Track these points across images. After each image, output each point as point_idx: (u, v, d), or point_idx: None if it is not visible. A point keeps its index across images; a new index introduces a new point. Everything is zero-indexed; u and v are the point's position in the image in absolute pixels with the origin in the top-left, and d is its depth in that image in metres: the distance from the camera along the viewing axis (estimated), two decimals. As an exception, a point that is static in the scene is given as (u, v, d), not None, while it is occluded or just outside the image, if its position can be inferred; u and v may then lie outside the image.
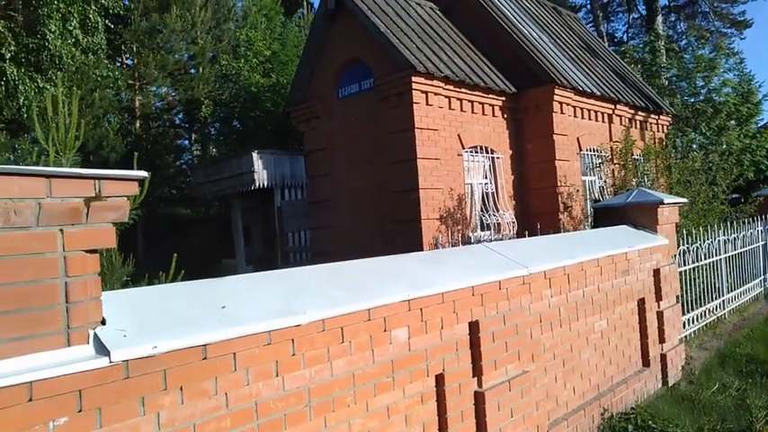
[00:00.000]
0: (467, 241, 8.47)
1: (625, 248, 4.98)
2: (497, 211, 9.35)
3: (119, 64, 18.88)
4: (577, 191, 9.59)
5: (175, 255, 4.47)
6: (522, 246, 4.37)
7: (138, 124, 19.19)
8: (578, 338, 4.55)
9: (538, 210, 9.58)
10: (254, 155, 11.66)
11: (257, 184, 11.77)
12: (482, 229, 9.25)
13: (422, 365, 3.12)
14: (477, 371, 3.45)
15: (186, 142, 23.38)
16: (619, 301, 5.05)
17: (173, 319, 2.16)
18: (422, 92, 8.15)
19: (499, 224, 9.32)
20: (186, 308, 2.29)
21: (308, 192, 10.42)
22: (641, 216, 5.71)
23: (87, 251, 1.89)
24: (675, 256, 6.39)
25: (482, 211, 9.38)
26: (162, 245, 12.88)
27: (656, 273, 5.61)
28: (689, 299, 7.02)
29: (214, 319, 2.23)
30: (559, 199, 9.35)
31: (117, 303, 2.12)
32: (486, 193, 9.47)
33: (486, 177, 9.58)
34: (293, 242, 11.82)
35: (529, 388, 3.82)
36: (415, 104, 8.06)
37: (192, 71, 19.08)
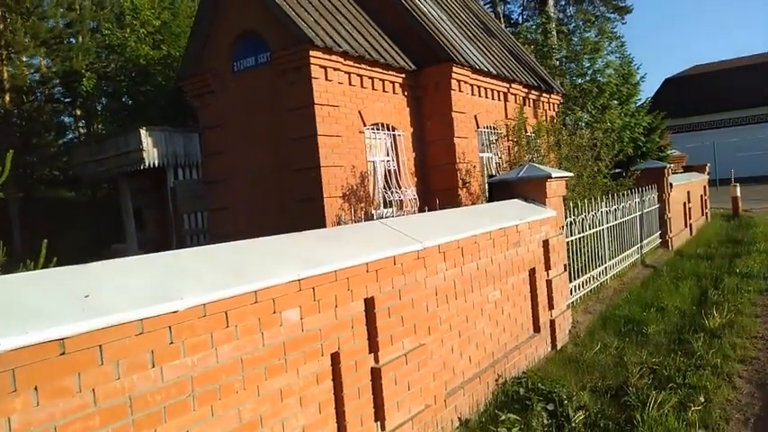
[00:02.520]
0: (370, 219, 8.48)
1: (516, 221, 5.18)
2: (400, 188, 9.43)
3: (-19, 30, 16.80)
4: (475, 167, 9.89)
5: (45, 241, 4.05)
6: (418, 221, 4.41)
7: (7, 98, 17.23)
8: (473, 309, 4.69)
9: (438, 186, 9.77)
10: (143, 132, 10.85)
11: (147, 163, 11.00)
12: (385, 207, 9.30)
13: (316, 345, 3.06)
14: (373, 347, 3.44)
15: (71, 119, 21.39)
16: (511, 272, 5.26)
17: (23, 311, 1.92)
18: (321, 67, 7.96)
19: (401, 201, 9.42)
20: (42, 298, 2.04)
21: (204, 171, 9.92)
22: (531, 190, 5.97)
23: None
24: (563, 227, 6.77)
25: (385, 188, 9.42)
26: (43, 232, 11.77)
27: (546, 243, 5.90)
28: (576, 267, 7.50)
29: (75, 310, 2.01)
30: (458, 175, 9.59)
31: (-49, 297, 1.85)
32: (389, 171, 9.52)
33: (388, 155, 9.62)
34: (189, 224, 11.23)
35: (426, 360, 3.88)
36: (313, 80, 7.85)
37: (72, 40, 17.35)
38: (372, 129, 9.21)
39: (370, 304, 3.42)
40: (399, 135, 9.64)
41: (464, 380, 4.49)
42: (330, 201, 7.94)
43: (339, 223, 7.93)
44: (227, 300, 2.51)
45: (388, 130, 9.53)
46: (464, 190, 9.46)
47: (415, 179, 9.92)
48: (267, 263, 2.82)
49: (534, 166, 6.16)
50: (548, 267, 5.92)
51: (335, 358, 3.21)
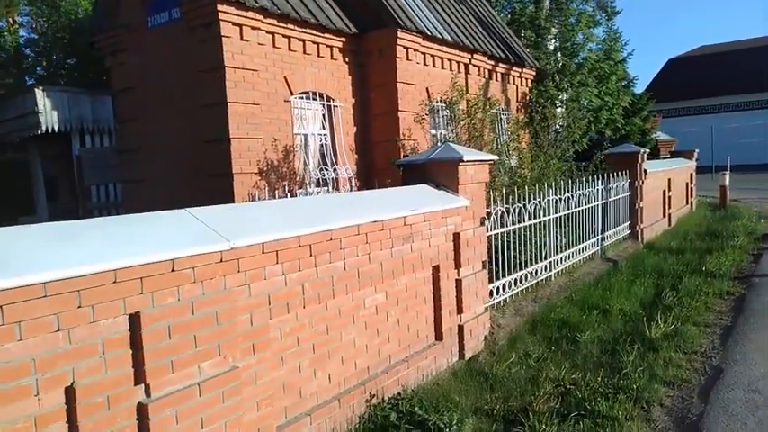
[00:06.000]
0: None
1: (403, 212, 4.33)
2: (334, 165, 8.54)
3: None
4: (420, 144, 8.95)
5: None
6: (240, 212, 3.57)
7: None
8: (339, 317, 3.88)
9: (380, 165, 8.87)
10: (39, 92, 9.82)
11: (44, 128, 9.97)
12: (318, 186, 8.42)
13: (27, 380, 2.26)
14: (142, 377, 2.64)
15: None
16: (402, 271, 4.43)
17: None
18: (234, 24, 6.97)
19: (336, 180, 8.54)
20: None
21: (118, 138, 9.01)
22: (442, 174, 5.11)
23: None
24: (489, 216, 5.92)
25: (319, 165, 8.53)
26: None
27: (456, 237, 5.06)
28: (514, 263, 6.65)
29: None
30: (402, 153, 8.66)
31: None
32: (324, 146, 8.61)
33: (324, 128, 8.70)
34: (98, 197, 10.34)
35: (239, 387, 3.07)
36: (224, 38, 6.88)
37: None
38: (303, 98, 8.26)
39: (135, 323, 2.60)
40: (336, 106, 8.69)
41: (316, 404, 3.71)
42: (242, 177, 7.07)
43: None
44: None
45: (324, 99, 8.58)
46: (407, 170, 8.53)
47: (356, 156, 9.02)
48: None
49: (450, 146, 5.28)
50: (458, 265, 5.09)
51: (70, 394, 2.41)
